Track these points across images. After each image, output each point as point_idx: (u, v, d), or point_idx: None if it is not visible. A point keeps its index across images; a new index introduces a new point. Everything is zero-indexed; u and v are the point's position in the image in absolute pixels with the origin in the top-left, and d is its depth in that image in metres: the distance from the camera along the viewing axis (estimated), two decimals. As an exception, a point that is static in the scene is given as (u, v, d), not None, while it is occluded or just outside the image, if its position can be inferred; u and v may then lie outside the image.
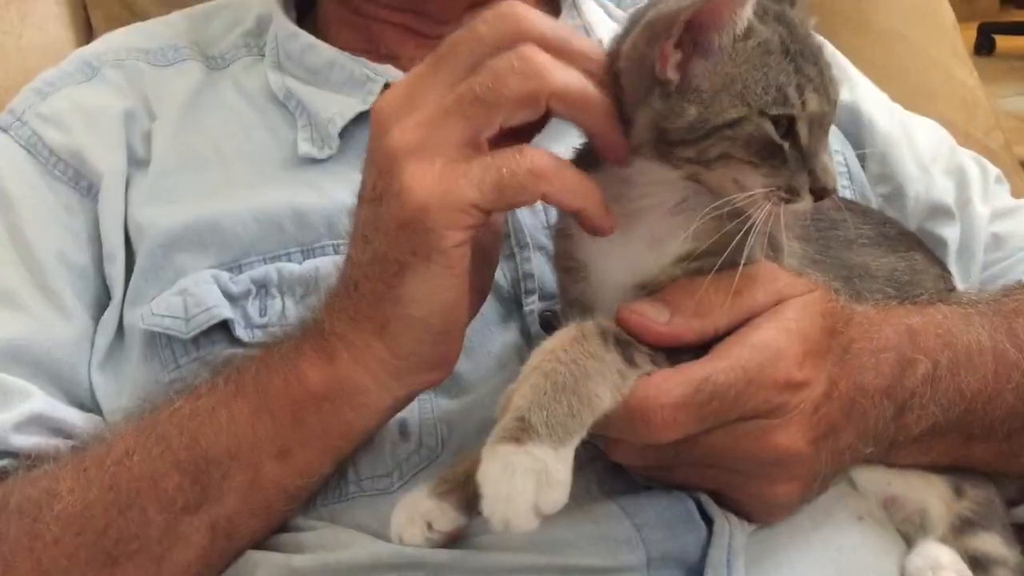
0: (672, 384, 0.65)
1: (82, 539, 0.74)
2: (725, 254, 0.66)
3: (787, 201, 0.65)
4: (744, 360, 0.66)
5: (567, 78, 0.66)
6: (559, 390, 0.63)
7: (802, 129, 0.65)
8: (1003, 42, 5.64)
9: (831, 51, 1.05)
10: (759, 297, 0.69)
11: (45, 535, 0.74)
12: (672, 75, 0.65)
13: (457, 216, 0.65)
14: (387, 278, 0.68)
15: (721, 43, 0.64)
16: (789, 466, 0.70)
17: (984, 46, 5.63)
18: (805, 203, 0.66)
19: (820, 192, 0.66)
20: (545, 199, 0.67)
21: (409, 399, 0.75)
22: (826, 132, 0.66)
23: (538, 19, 0.67)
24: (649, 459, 0.71)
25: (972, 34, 5.60)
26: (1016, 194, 1.15)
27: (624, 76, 0.67)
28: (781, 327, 0.68)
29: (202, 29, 1.05)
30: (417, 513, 0.72)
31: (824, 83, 0.66)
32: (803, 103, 0.64)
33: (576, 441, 0.63)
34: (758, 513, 0.74)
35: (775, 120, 0.64)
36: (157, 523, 0.73)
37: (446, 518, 0.71)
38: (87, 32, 1.32)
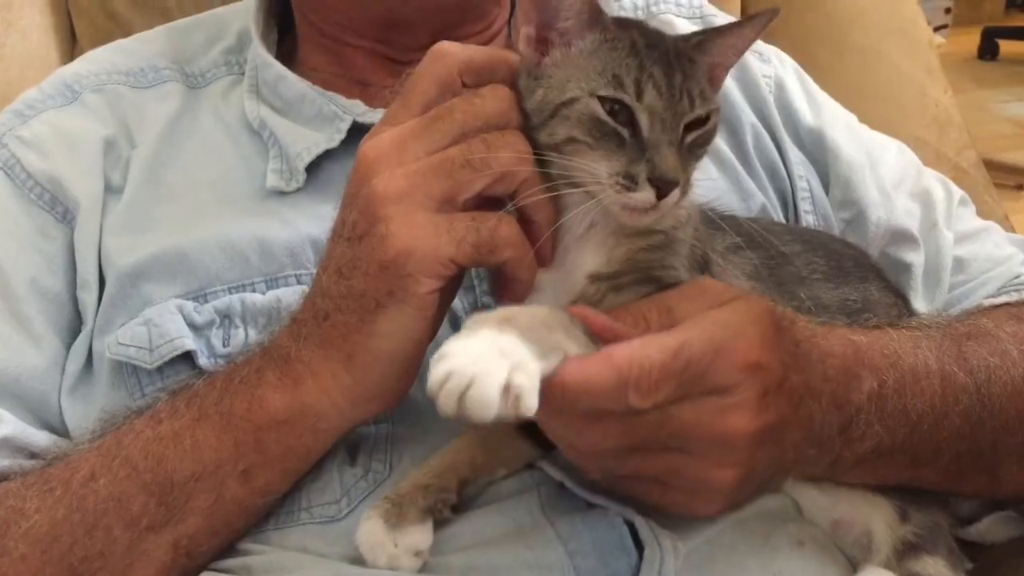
0: (651, 350, 0.66)
1: (48, 556, 0.76)
2: (643, 273, 0.71)
3: (627, 189, 0.68)
4: (713, 333, 0.68)
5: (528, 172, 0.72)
6: (545, 326, 0.67)
7: (641, 119, 0.69)
8: (1007, 47, 5.63)
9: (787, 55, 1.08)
10: (691, 310, 0.70)
11: (12, 552, 0.76)
12: (524, 50, 0.72)
13: (435, 266, 0.71)
14: (361, 313, 0.72)
15: (570, 36, 0.71)
16: (733, 450, 0.70)
17: (988, 50, 5.64)
18: (645, 194, 0.69)
19: (658, 181, 0.68)
20: (502, 265, 0.72)
21: (359, 425, 0.79)
22: (670, 130, 0.69)
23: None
24: (622, 438, 0.69)
25: (976, 38, 5.60)
26: (997, 213, 1.14)
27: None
28: (736, 311, 0.70)
29: (182, 45, 1.06)
30: (401, 548, 0.73)
31: (671, 87, 0.69)
32: (639, 93, 0.69)
33: (542, 369, 0.64)
34: (693, 502, 0.73)
35: (610, 103, 0.69)
36: (122, 541, 0.76)
37: (420, 536, 0.74)
38: (71, 41, 1.33)
